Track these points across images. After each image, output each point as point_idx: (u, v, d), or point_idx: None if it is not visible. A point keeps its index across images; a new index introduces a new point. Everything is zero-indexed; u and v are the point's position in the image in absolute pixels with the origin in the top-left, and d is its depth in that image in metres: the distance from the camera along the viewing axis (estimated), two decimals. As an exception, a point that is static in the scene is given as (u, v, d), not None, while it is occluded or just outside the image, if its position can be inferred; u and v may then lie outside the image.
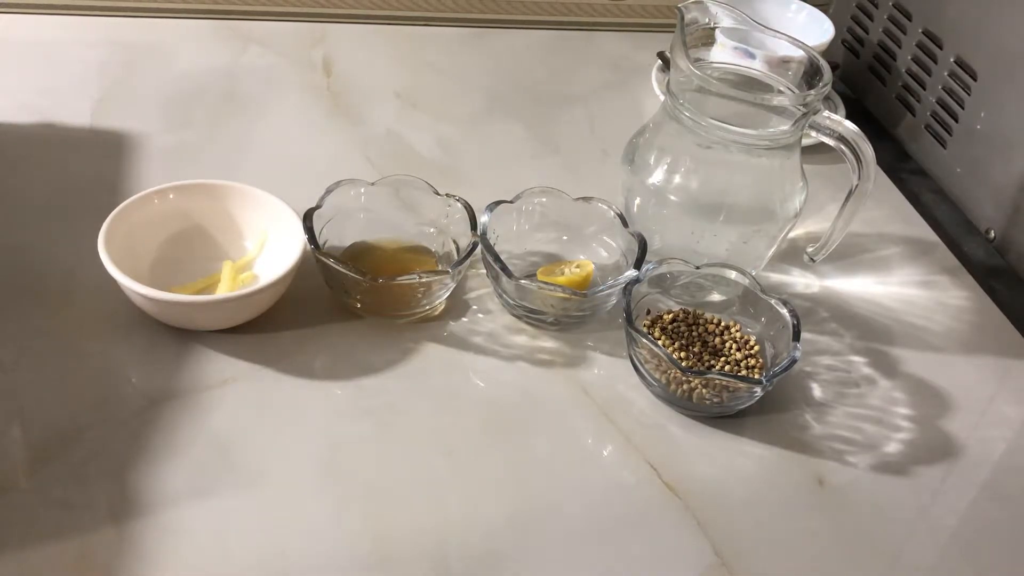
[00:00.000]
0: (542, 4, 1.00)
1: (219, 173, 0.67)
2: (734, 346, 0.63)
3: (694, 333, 0.64)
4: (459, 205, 0.65)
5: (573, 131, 0.86)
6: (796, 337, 0.60)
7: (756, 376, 0.61)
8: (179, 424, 0.55)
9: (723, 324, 0.65)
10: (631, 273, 0.62)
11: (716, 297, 0.69)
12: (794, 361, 0.59)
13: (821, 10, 0.90)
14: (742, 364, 0.62)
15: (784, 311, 0.62)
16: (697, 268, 0.64)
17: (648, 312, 0.65)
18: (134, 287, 0.56)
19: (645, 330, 0.63)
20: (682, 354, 0.62)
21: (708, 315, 0.65)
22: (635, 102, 0.92)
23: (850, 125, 0.63)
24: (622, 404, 0.61)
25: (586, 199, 0.68)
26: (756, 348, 0.63)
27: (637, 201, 0.68)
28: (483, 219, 0.64)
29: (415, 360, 0.62)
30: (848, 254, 0.76)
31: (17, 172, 0.72)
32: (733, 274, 0.64)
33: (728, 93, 0.62)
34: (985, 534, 0.57)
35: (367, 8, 0.97)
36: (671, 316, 0.65)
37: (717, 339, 0.64)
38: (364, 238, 0.67)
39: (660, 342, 0.62)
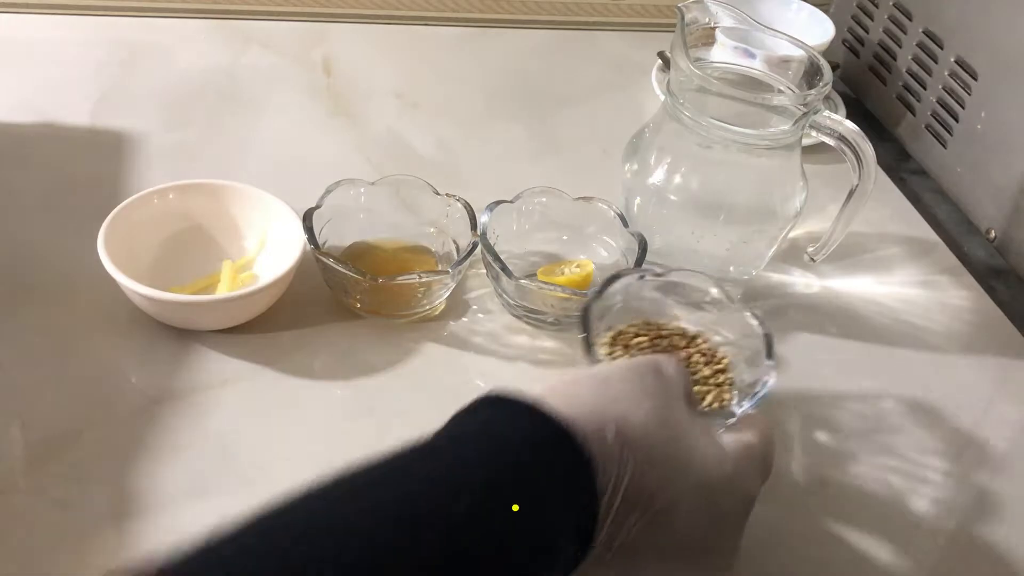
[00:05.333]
0: (542, 4, 1.00)
1: (219, 173, 0.67)
2: (701, 360, 0.57)
3: (658, 348, 0.57)
4: (459, 205, 0.65)
5: (573, 131, 0.86)
6: (769, 355, 0.53)
7: (725, 399, 0.55)
8: (179, 424, 0.55)
9: (689, 334, 0.58)
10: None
11: (716, 297, 0.69)
12: (766, 386, 0.52)
13: (821, 10, 0.90)
14: (711, 381, 0.56)
15: (754, 323, 0.55)
16: (659, 276, 0.58)
17: (609, 329, 0.58)
18: (134, 287, 0.56)
19: (607, 348, 0.56)
20: None
21: (674, 325, 0.59)
22: (635, 102, 0.92)
23: (850, 125, 0.63)
24: (622, 404, 0.61)
25: (586, 199, 0.68)
26: (725, 360, 0.57)
27: (637, 201, 0.68)
28: (483, 219, 0.64)
29: (415, 360, 0.62)
30: (848, 254, 0.75)
31: (16, 172, 0.71)
32: (711, 287, 0.58)
33: (728, 93, 0.62)
34: (985, 535, 0.57)
35: (367, 8, 0.97)
36: (634, 331, 0.57)
37: (683, 352, 0.57)
38: (364, 238, 0.67)
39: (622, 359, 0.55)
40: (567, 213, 0.69)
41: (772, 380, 0.52)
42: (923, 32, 0.89)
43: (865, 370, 0.66)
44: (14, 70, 0.82)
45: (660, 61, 0.94)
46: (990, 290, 0.76)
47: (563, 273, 0.66)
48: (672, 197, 0.65)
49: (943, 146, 0.87)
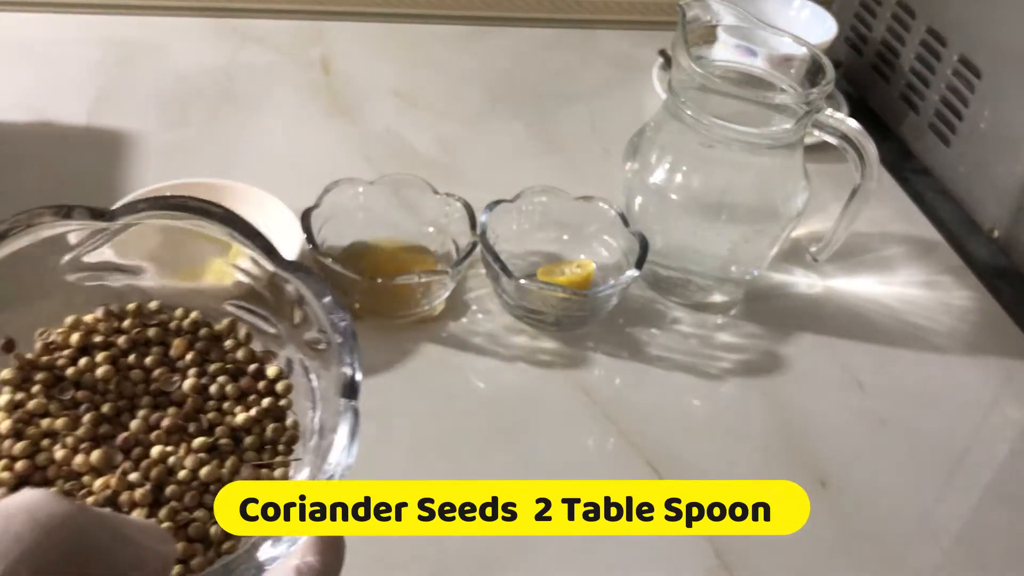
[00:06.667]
0: (543, 1, 1.00)
1: (217, 172, 0.67)
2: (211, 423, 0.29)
3: (136, 386, 0.30)
4: (459, 204, 0.65)
5: (574, 129, 0.86)
6: (350, 392, 0.28)
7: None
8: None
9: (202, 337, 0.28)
10: (632, 273, 0.62)
11: (718, 298, 0.69)
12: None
13: (824, 7, 0.90)
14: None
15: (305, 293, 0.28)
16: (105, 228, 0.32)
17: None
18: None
19: None
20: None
21: (175, 317, 0.29)
22: (636, 100, 0.91)
23: (853, 123, 0.62)
24: (622, 404, 0.61)
25: (587, 198, 0.67)
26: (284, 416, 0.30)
27: (638, 200, 0.67)
28: (483, 218, 0.64)
29: (415, 361, 0.61)
30: (851, 254, 0.75)
31: (14, 171, 0.71)
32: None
33: (730, 91, 0.61)
34: (988, 536, 0.57)
35: (366, 5, 0.96)
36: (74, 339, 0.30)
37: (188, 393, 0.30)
38: (363, 238, 0.66)
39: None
40: (567, 212, 0.68)
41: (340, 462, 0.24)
42: (927, 30, 0.89)
43: (868, 370, 0.66)
44: (10, 69, 0.82)
45: (661, 59, 0.93)
46: (993, 290, 0.75)
47: (563, 273, 0.66)
48: (673, 196, 0.64)
49: (946, 145, 0.87)
